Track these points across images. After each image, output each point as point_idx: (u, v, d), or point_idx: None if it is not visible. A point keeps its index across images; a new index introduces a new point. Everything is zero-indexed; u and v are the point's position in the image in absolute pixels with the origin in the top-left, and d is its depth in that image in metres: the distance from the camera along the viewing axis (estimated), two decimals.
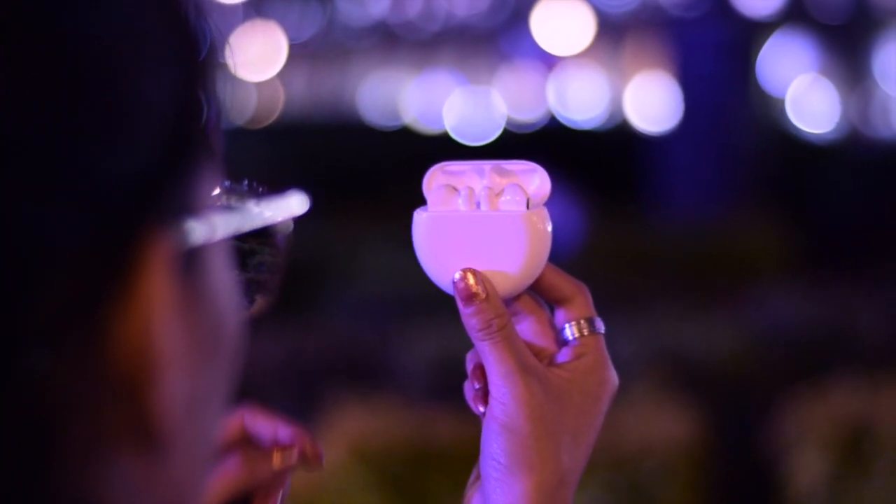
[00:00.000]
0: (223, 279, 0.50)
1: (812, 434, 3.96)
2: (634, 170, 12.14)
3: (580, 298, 0.91)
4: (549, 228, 0.90)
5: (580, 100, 15.71)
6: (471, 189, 0.91)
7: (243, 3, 14.18)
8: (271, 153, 10.97)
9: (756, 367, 5.70)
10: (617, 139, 14.14)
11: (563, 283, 0.91)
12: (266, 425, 0.89)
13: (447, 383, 5.15)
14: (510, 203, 0.89)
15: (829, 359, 5.35)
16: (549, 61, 15.63)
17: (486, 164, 0.91)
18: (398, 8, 16.85)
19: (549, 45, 14.86)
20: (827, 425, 3.95)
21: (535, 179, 0.91)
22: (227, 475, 0.86)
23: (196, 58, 0.49)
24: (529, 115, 15.63)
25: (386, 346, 5.96)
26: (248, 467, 0.87)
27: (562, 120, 15.37)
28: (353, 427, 3.65)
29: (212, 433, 0.50)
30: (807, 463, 3.93)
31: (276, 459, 0.88)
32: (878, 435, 3.88)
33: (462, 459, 3.50)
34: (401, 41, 17.21)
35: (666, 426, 3.85)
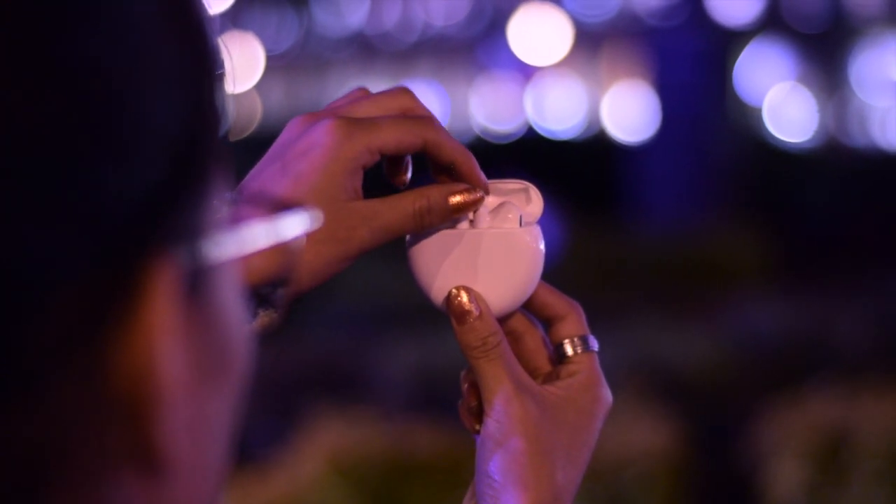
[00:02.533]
0: (230, 299, 0.49)
1: (790, 443, 3.97)
2: (612, 179, 12.17)
3: (573, 316, 0.92)
4: (542, 246, 0.91)
5: (558, 110, 15.73)
6: None
7: (220, 15, 14.18)
8: (249, 165, 10.95)
9: (734, 376, 5.72)
10: (595, 149, 14.17)
11: (557, 301, 0.92)
12: None
13: (425, 395, 5.15)
14: (503, 221, 0.90)
15: (806, 367, 5.36)
16: (526, 71, 15.66)
17: None
18: (375, 19, 16.86)
19: (527, 56, 14.89)
20: (805, 434, 3.96)
21: (528, 198, 0.92)
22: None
23: (202, 72, 0.48)
24: (507, 125, 15.66)
25: (364, 359, 5.96)
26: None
27: (539, 130, 15.40)
28: (332, 439, 3.65)
29: (218, 457, 0.49)
30: (785, 472, 3.94)
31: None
32: (856, 443, 3.89)
33: (440, 471, 3.50)
34: (378, 52, 17.22)
35: (645, 436, 3.86)
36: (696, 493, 4.22)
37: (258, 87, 16.38)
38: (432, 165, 0.92)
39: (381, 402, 4.75)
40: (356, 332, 6.58)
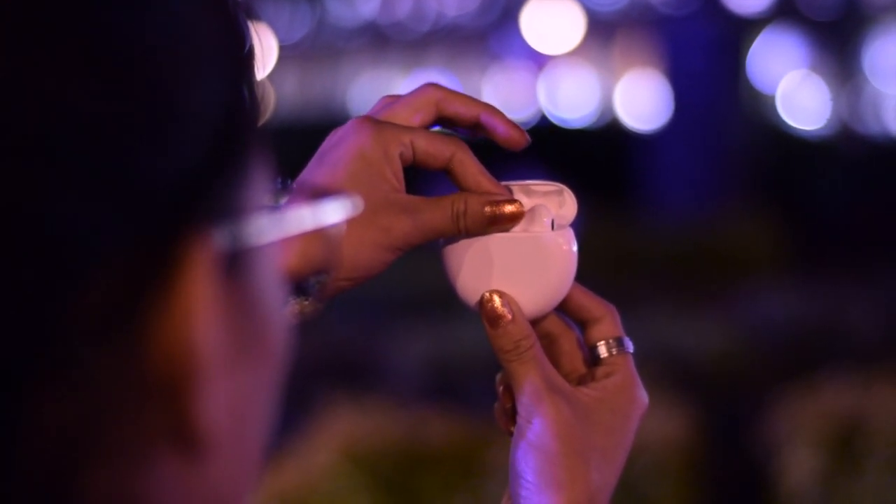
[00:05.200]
0: (270, 281, 0.49)
1: (804, 431, 3.97)
2: (625, 168, 12.16)
3: (608, 318, 0.92)
4: (575, 249, 0.91)
5: (570, 98, 15.72)
6: None
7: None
8: None
9: (747, 364, 5.72)
10: (607, 137, 14.16)
11: (591, 303, 0.93)
12: (462, 107, 0.92)
13: (438, 384, 5.16)
14: (536, 224, 0.90)
15: (820, 356, 5.36)
16: (539, 60, 15.65)
17: (513, 185, 0.92)
18: (388, 8, 16.85)
19: (539, 45, 14.88)
20: (818, 422, 3.95)
21: (561, 200, 0.92)
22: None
23: (241, 53, 0.49)
24: (520, 114, 15.64)
25: (377, 348, 5.97)
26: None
27: (552, 119, 15.39)
28: (345, 428, 3.65)
29: (258, 437, 0.50)
30: (798, 460, 3.94)
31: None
32: (869, 432, 3.89)
33: (453, 460, 3.50)
34: (391, 42, 17.22)
35: (658, 424, 3.86)
36: (710, 481, 4.22)
37: (271, 77, 16.38)
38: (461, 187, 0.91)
39: (395, 391, 4.76)
40: (369, 321, 6.59)
